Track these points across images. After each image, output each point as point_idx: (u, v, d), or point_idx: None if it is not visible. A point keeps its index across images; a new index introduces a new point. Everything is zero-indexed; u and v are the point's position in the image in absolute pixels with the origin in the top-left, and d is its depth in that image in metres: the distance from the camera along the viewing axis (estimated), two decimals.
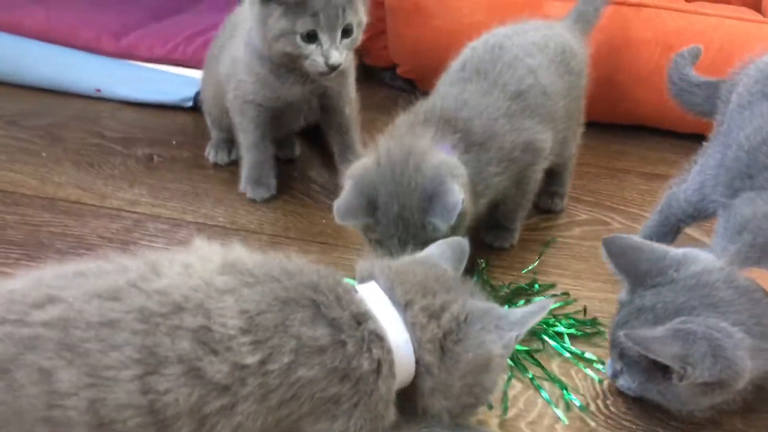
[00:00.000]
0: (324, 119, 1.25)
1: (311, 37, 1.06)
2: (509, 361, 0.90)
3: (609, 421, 0.85)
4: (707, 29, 1.46)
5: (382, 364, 0.62)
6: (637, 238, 0.84)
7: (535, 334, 0.95)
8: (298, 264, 0.66)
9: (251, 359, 0.58)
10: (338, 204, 0.90)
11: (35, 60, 1.52)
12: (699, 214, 1.00)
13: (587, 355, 0.93)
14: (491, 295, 1.01)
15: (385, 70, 1.71)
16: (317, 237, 1.14)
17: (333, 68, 1.08)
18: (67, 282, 0.60)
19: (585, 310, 1.00)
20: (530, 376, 0.89)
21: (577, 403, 0.86)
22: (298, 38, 1.06)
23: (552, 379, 0.89)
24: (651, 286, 0.79)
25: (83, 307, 0.58)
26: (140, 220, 1.15)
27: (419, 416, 0.68)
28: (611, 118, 1.53)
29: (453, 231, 0.91)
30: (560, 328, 0.96)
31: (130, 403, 0.55)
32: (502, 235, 1.12)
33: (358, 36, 1.11)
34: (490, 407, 0.83)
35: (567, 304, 1.02)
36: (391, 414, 0.65)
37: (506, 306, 0.98)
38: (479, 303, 0.68)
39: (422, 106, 1.01)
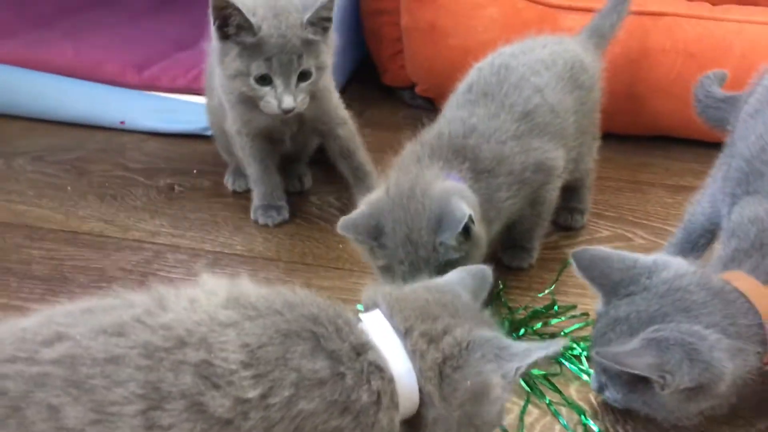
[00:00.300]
0: (325, 145, 1.25)
1: (265, 80, 1.06)
2: (525, 386, 0.89)
3: None
4: (728, 35, 1.43)
5: (382, 396, 0.62)
6: (606, 249, 0.83)
7: (554, 358, 0.93)
8: (300, 296, 0.66)
9: (253, 393, 0.58)
10: (344, 217, 0.92)
11: (62, 95, 1.56)
12: (716, 228, 0.98)
13: None
14: (508, 317, 1.00)
15: (404, 89, 1.72)
16: (334, 263, 1.15)
17: (287, 112, 1.07)
18: (75, 319, 0.62)
19: None
20: (547, 401, 0.88)
21: (596, 429, 0.84)
22: (252, 80, 1.06)
23: (570, 404, 0.88)
24: (624, 296, 0.78)
25: (90, 343, 0.59)
26: (160, 251, 1.17)
27: None
28: (633, 129, 1.51)
29: (467, 256, 0.90)
30: (578, 351, 0.94)
31: None
32: (519, 255, 1.11)
33: (319, 78, 1.10)
34: None
35: (587, 325, 1.00)
36: None
37: (523, 330, 0.97)
38: (485, 331, 0.67)
39: (429, 133, 1.00)
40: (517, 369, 0.63)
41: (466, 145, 0.96)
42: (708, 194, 1.00)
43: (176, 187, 1.36)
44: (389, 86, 1.73)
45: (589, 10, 1.47)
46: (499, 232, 1.03)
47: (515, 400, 0.88)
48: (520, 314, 1.01)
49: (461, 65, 1.53)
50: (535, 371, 0.91)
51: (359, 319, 0.67)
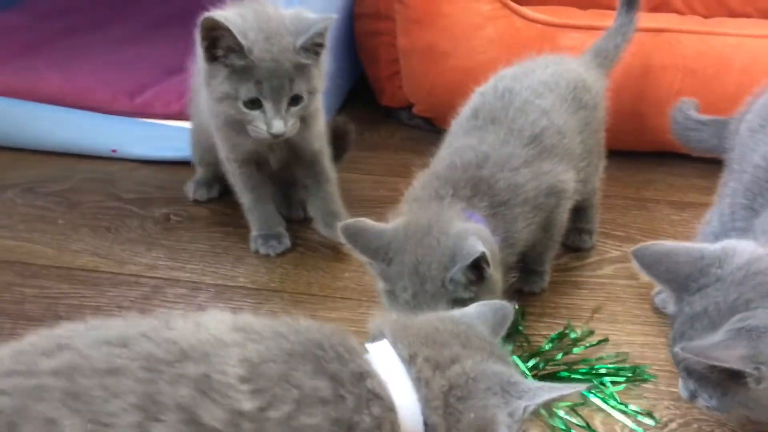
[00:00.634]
0: (301, 169, 1.21)
1: (255, 103, 1.03)
2: (549, 419, 0.86)
3: None
4: (727, 50, 1.42)
5: (383, 424, 0.59)
6: (667, 242, 0.80)
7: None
8: (304, 323, 0.65)
9: (249, 405, 0.57)
10: (356, 220, 0.88)
11: (51, 125, 1.52)
12: None
13: (631, 407, 0.88)
14: (526, 348, 0.97)
15: (402, 109, 1.70)
16: (341, 292, 1.11)
17: (276, 137, 1.05)
18: (79, 332, 0.61)
19: (626, 358, 0.95)
20: None
21: None
22: (241, 104, 1.03)
23: None
24: (697, 290, 0.74)
25: (91, 353, 0.58)
26: (159, 286, 1.13)
27: None
28: (636, 146, 1.49)
29: (477, 298, 0.87)
30: (602, 379, 0.91)
31: None
32: (532, 280, 1.08)
33: (310, 103, 1.07)
34: None
35: (614, 357, 0.96)
36: None
37: (543, 363, 0.94)
38: (497, 366, 0.64)
39: (440, 163, 0.98)
40: (526, 408, 0.60)
41: (481, 176, 0.94)
42: (716, 213, 0.99)
43: (172, 216, 1.32)
44: (386, 107, 1.70)
45: (589, 29, 1.47)
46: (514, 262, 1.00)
47: None
48: (536, 344, 0.98)
49: (460, 86, 1.51)
50: (561, 403, 0.88)
51: (365, 349, 0.64)
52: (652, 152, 1.50)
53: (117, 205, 1.35)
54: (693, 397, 0.77)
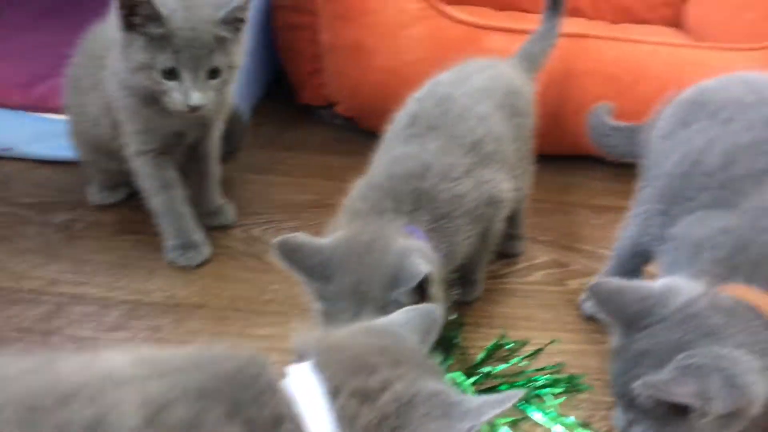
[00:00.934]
0: (200, 141, 1.16)
1: (172, 74, 0.99)
2: None
3: None
4: (644, 57, 1.46)
5: None
6: (619, 280, 0.81)
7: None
8: (218, 351, 0.57)
9: None
10: (286, 236, 0.83)
11: None
12: (646, 252, 0.99)
13: (569, 419, 0.87)
14: (464, 362, 0.94)
15: (323, 108, 1.64)
16: (269, 306, 1.05)
17: (194, 109, 1.01)
18: None
19: (561, 368, 0.94)
20: None
21: None
22: (157, 73, 0.99)
23: None
24: (643, 327, 0.75)
25: None
26: (63, 303, 1.02)
27: None
28: (557, 150, 1.51)
29: None
30: (540, 391, 0.90)
31: None
32: (466, 289, 1.06)
33: (230, 78, 1.04)
34: None
35: (551, 368, 0.96)
36: None
37: (480, 376, 0.92)
38: (432, 383, 0.58)
39: (379, 174, 0.94)
40: (470, 429, 0.55)
41: (423, 188, 0.91)
42: (633, 218, 1.01)
43: (75, 223, 1.20)
44: (306, 105, 1.64)
45: (514, 31, 1.46)
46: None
47: None
48: (470, 356, 0.96)
49: (386, 86, 1.48)
50: (501, 419, 0.86)
51: (284, 375, 0.57)
52: (571, 156, 1.52)
53: (11, 211, 1.22)
54: (628, 426, 0.78)
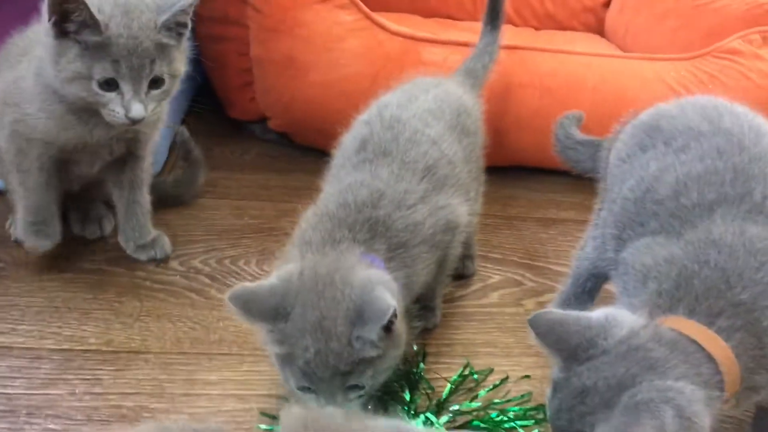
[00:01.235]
0: (114, 172, 1.10)
1: (111, 85, 0.93)
2: None
3: None
4: (579, 68, 1.47)
5: None
6: (558, 312, 0.79)
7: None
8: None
9: None
10: (240, 286, 0.78)
11: None
12: (602, 273, 0.98)
13: None
14: (432, 398, 0.91)
15: (255, 123, 1.57)
16: (218, 347, 0.98)
17: (134, 122, 0.94)
18: None
19: (530, 398, 0.93)
20: None
21: None
22: (95, 84, 0.92)
23: None
24: (585, 360, 0.74)
25: None
26: None
27: None
28: (497, 162, 1.49)
29: (384, 356, 0.79)
30: (512, 424, 0.88)
31: None
32: (425, 316, 1.03)
33: (172, 88, 0.98)
34: None
35: (519, 399, 0.94)
36: None
37: (450, 416, 0.89)
38: None
39: (331, 202, 0.89)
40: None
41: (377, 217, 0.87)
42: (590, 239, 1.01)
43: None
44: (236, 120, 1.56)
45: (451, 44, 1.45)
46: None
47: None
48: (439, 388, 0.92)
49: (322, 100, 1.43)
50: None
51: None
52: (510, 167, 1.52)
53: None
54: None
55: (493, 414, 0.89)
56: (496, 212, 1.38)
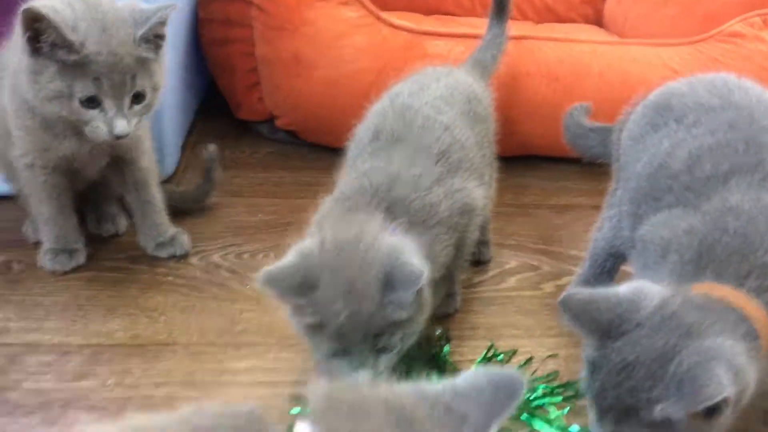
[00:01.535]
0: (116, 175, 1.10)
1: (93, 102, 0.92)
2: None
3: None
4: (584, 56, 1.48)
5: None
6: (586, 291, 0.80)
7: (517, 417, 0.87)
8: (210, 415, 0.50)
9: None
10: (270, 268, 0.79)
11: None
12: (619, 252, 0.99)
13: (574, 428, 0.86)
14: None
15: (262, 123, 1.58)
16: (243, 337, 0.98)
17: (119, 138, 0.95)
18: None
19: (556, 376, 0.93)
20: None
21: None
22: (77, 103, 0.92)
23: None
24: (620, 336, 0.74)
25: None
26: (15, 355, 0.92)
27: None
28: (507, 152, 1.50)
29: (412, 319, 0.81)
30: (541, 401, 0.88)
31: None
32: (445, 302, 1.04)
33: (154, 101, 0.98)
34: None
35: (546, 378, 0.94)
36: None
37: None
38: None
39: (348, 189, 0.90)
40: None
41: (394, 198, 0.88)
42: (606, 219, 1.02)
43: (15, 264, 1.09)
44: (244, 120, 1.57)
45: (455, 36, 1.46)
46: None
47: None
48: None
49: (328, 97, 1.44)
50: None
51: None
52: (519, 157, 1.53)
53: None
54: None
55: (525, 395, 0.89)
56: (509, 201, 1.39)
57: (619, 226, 0.97)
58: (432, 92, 1.03)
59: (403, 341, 0.80)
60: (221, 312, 1.02)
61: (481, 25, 1.36)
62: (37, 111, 0.95)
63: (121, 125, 0.93)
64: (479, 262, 1.17)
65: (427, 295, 0.83)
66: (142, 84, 0.94)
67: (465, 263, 1.04)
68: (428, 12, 1.94)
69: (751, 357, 0.72)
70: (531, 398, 0.89)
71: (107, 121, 0.92)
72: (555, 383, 0.92)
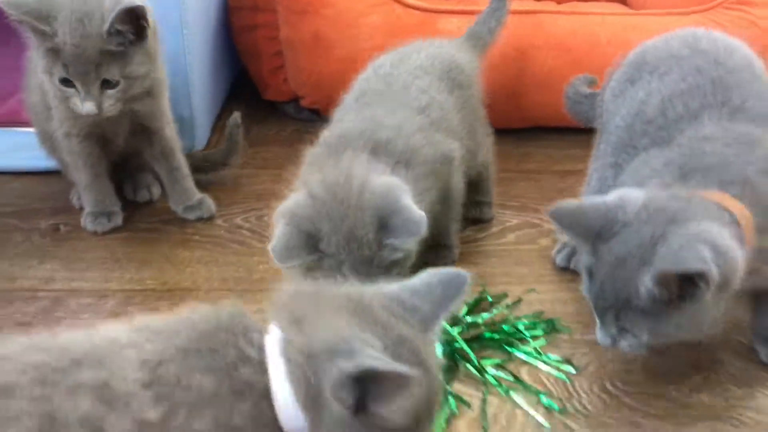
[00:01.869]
0: (145, 145, 1.22)
1: (68, 82, 1.04)
2: (480, 376, 0.90)
3: (589, 419, 0.86)
4: (593, 27, 1.53)
5: (259, 416, 0.55)
6: (574, 201, 0.86)
7: (500, 346, 0.95)
8: (202, 313, 0.61)
9: (153, 414, 0.53)
10: (274, 246, 0.85)
11: None
12: None
13: (552, 357, 0.94)
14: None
15: (288, 103, 1.68)
16: (259, 285, 1.09)
17: (89, 116, 1.06)
18: None
19: (542, 314, 1.01)
20: (504, 390, 0.89)
21: (556, 408, 0.87)
22: (57, 81, 1.05)
23: (526, 387, 0.89)
24: (611, 237, 0.80)
25: None
26: (60, 298, 1.05)
27: None
28: (515, 124, 1.57)
29: (409, 255, 0.88)
30: (524, 333, 0.96)
31: None
32: (442, 254, 1.12)
33: (131, 86, 1.08)
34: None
35: (531, 316, 1.02)
36: None
37: (466, 327, 0.98)
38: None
39: (331, 135, 0.97)
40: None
41: (378, 140, 0.94)
42: (593, 172, 1.08)
43: (62, 227, 1.23)
44: (272, 101, 1.68)
45: (467, 13, 1.53)
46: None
47: (474, 392, 0.89)
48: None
49: (348, 75, 1.51)
50: (488, 360, 0.92)
51: (260, 330, 0.59)
52: (526, 128, 1.59)
53: None
54: (614, 342, 0.83)
55: (505, 326, 0.97)
56: (514, 167, 1.45)
57: (605, 177, 1.03)
58: (412, 62, 1.10)
59: (400, 274, 0.84)
60: (240, 264, 1.14)
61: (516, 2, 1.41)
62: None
63: (88, 106, 1.04)
64: (480, 221, 1.25)
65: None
66: (110, 74, 1.03)
67: (457, 215, 1.11)
68: None
69: (736, 242, 0.76)
70: (515, 331, 0.96)
71: (81, 100, 1.05)
72: (538, 320, 1.00)
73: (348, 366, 0.51)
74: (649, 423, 0.86)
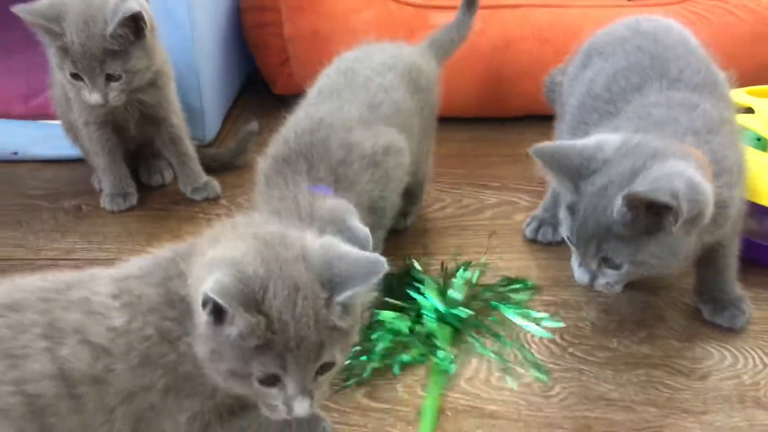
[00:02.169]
0: (155, 133, 1.34)
1: (77, 76, 1.18)
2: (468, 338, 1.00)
3: (568, 372, 0.96)
4: (575, 19, 1.62)
5: (184, 322, 0.68)
6: (554, 142, 0.93)
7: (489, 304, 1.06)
8: (151, 257, 0.75)
9: (119, 321, 0.67)
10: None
11: None
12: None
13: (535, 313, 1.04)
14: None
15: (295, 96, 1.79)
16: None
17: (96, 106, 1.21)
18: None
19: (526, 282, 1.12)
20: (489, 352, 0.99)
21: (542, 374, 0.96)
22: (67, 74, 1.18)
23: (499, 338, 1.00)
24: (591, 173, 0.86)
25: None
26: (78, 266, 1.13)
27: None
28: (504, 113, 1.66)
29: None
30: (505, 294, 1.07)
31: (44, 373, 0.65)
32: (397, 219, 1.16)
33: (133, 79, 1.20)
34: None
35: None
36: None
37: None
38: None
39: (276, 142, 1.01)
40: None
41: (314, 141, 0.96)
42: None
43: (83, 207, 1.37)
44: (280, 95, 1.80)
45: (455, 8, 1.62)
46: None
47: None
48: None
49: None
50: (476, 322, 1.03)
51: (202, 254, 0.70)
52: (521, 117, 1.68)
53: (26, 202, 1.39)
54: (593, 279, 0.89)
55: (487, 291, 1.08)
56: (504, 153, 1.54)
57: None
58: (376, 59, 1.12)
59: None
60: None
61: None
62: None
63: (95, 97, 1.19)
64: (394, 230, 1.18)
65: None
66: (113, 69, 1.17)
67: (387, 224, 1.07)
68: None
69: (708, 181, 0.83)
70: (500, 289, 1.07)
71: (89, 92, 1.18)
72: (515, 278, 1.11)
73: (205, 287, 0.62)
74: (590, 369, 0.95)
